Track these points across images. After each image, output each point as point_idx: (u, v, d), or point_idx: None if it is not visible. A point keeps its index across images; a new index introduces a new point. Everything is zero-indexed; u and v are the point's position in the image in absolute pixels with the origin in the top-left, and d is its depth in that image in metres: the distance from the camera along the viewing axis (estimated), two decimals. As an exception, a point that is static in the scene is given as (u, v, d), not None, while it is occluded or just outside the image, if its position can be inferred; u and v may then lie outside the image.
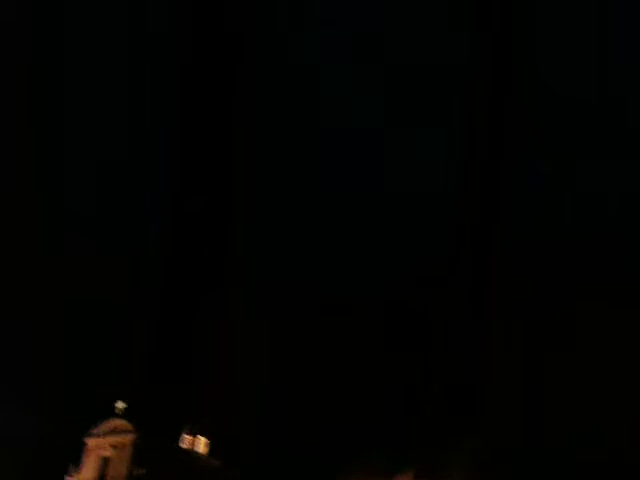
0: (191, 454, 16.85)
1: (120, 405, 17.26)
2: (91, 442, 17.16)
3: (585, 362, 10.43)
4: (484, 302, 10.93)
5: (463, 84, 11.12)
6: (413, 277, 10.90)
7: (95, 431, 17.50)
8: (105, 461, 16.63)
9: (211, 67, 11.14)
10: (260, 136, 10.85)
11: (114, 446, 16.45)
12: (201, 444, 17.08)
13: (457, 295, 10.92)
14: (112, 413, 17.24)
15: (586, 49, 10.82)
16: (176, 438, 16.98)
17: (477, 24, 11.19)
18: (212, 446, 17.21)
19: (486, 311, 10.91)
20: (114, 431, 17.37)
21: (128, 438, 16.85)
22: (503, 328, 10.78)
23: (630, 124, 10.65)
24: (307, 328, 11.40)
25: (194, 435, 17.25)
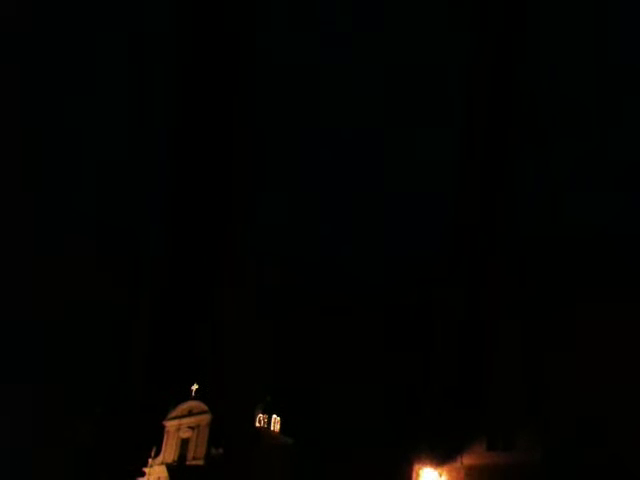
0: (265, 432, 16.64)
1: (194, 387, 17.74)
2: (170, 425, 17.29)
3: (585, 362, 10.45)
4: (484, 302, 10.95)
5: (463, 84, 11.16)
6: (413, 277, 10.92)
7: (173, 414, 17.84)
8: (184, 442, 16.69)
9: (211, 67, 11.15)
10: (260, 136, 10.92)
11: (192, 427, 16.48)
12: (275, 422, 17.02)
13: (457, 295, 10.94)
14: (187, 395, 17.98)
15: (586, 49, 10.88)
16: (251, 417, 17.46)
17: (477, 24, 11.21)
18: (284, 424, 17.70)
19: (486, 311, 10.93)
20: (191, 413, 17.47)
21: (205, 419, 16.97)
22: (503, 328, 10.80)
23: (629, 124, 10.72)
24: (307, 328, 11.36)
25: (268, 414, 17.80)
